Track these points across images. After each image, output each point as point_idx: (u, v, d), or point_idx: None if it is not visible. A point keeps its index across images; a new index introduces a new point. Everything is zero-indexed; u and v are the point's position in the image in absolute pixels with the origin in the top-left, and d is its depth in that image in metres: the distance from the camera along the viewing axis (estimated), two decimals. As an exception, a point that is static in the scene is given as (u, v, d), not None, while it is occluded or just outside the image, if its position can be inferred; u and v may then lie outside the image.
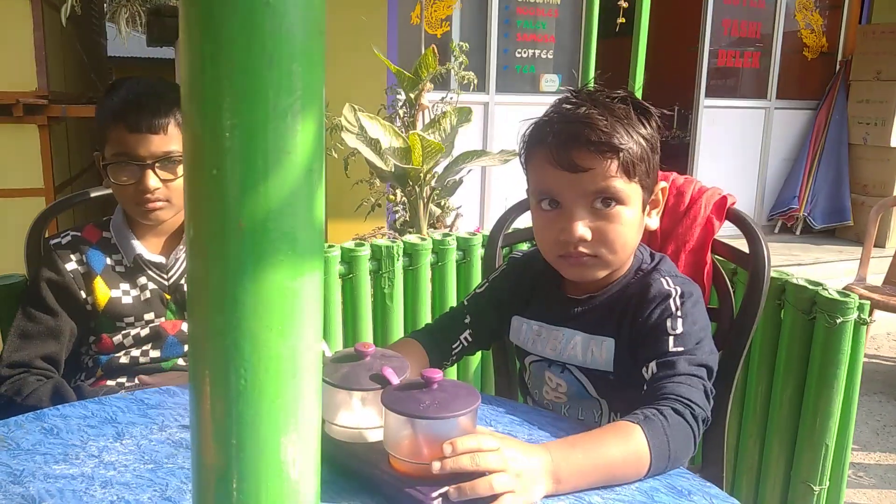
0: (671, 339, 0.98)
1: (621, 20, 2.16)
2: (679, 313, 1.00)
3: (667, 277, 1.05)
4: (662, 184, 1.08)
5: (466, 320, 1.18)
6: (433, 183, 3.63)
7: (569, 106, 1.02)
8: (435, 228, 3.83)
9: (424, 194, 3.59)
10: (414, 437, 0.80)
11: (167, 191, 1.29)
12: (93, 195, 1.52)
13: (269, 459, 0.50)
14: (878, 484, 2.54)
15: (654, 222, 1.09)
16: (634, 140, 1.00)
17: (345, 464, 0.84)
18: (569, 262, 1.04)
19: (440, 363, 1.15)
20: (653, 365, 0.97)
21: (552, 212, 1.03)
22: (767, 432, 1.61)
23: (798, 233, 5.60)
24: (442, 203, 3.88)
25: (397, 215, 3.75)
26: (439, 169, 3.63)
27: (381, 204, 3.79)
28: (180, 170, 1.30)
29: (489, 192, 4.94)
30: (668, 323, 1.00)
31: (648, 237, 1.35)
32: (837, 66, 5.80)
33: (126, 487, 0.80)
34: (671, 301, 1.02)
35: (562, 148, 0.99)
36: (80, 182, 4.83)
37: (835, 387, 1.46)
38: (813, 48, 5.82)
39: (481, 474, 0.76)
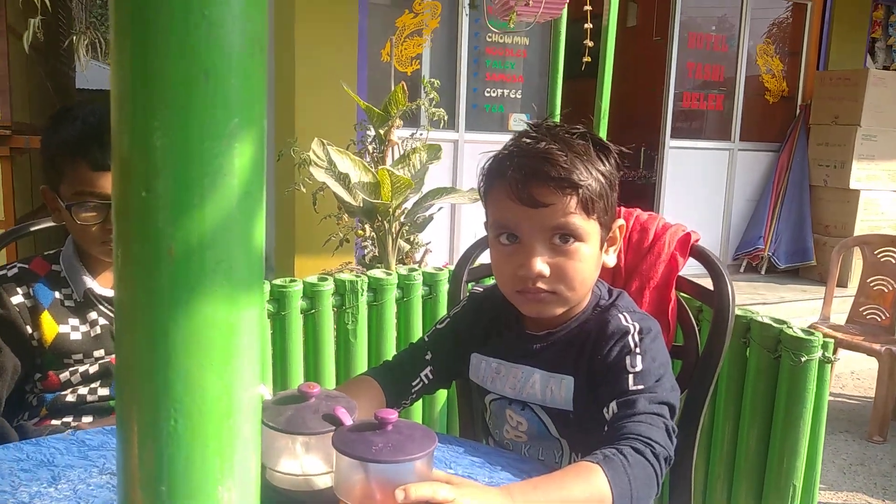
0: (630, 377, 0.96)
1: (587, 59, 2.19)
2: (638, 350, 0.98)
3: (625, 313, 1.03)
4: (620, 221, 1.07)
5: (427, 356, 1.14)
6: (402, 219, 3.61)
7: (529, 140, 1.01)
8: (404, 264, 3.80)
9: (393, 230, 3.56)
10: (367, 482, 0.76)
11: None
12: (34, 229, 1.46)
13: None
14: (845, 525, 2.53)
15: (611, 259, 1.08)
16: (594, 177, 0.99)
17: None
18: (526, 298, 1.02)
19: (398, 402, 1.11)
20: (613, 405, 0.95)
21: (510, 246, 1.02)
22: (735, 473, 1.59)
23: (763, 272, 5.67)
24: (411, 239, 3.86)
25: (366, 251, 3.72)
26: (408, 205, 3.62)
27: (350, 239, 3.76)
28: None
29: (458, 229, 4.93)
30: (627, 360, 0.98)
31: (612, 274, 1.33)
32: (798, 110, 5.95)
33: (57, 537, 0.75)
34: (630, 337, 1.00)
35: (522, 182, 0.98)
36: (43, 214, 4.72)
37: (801, 426, 1.44)
38: (774, 92, 5.97)
39: None
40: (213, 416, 0.47)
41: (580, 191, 0.97)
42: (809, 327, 3.43)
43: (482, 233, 1.44)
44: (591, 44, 2.07)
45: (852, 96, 5.45)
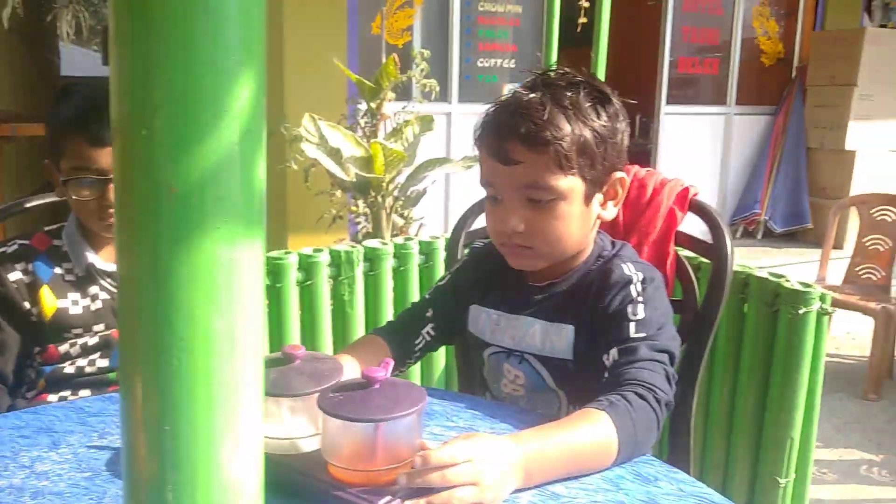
0: (632, 324, 0.96)
1: (583, 20, 2.15)
2: (640, 298, 0.99)
3: (628, 263, 1.03)
4: (619, 174, 1.04)
5: (428, 314, 1.15)
6: (396, 193, 3.60)
7: (523, 91, 1.00)
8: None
9: (387, 204, 3.55)
10: (355, 442, 0.75)
11: None
12: (29, 205, 1.47)
13: (206, 447, 0.46)
14: (840, 479, 2.56)
15: (609, 213, 1.06)
16: (576, 131, 0.97)
17: (277, 478, 0.78)
18: (507, 251, 1.04)
19: (403, 361, 1.12)
20: (614, 351, 0.95)
21: (494, 201, 1.02)
22: (734, 427, 1.60)
23: (759, 237, 5.69)
24: (405, 213, 3.85)
25: (360, 227, 3.71)
26: (402, 179, 3.61)
27: (343, 215, 3.75)
28: None
29: (452, 202, 4.92)
30: (630, 308, 0.98)
31: (611, 229, 1.34)
32: (794, 72, 5.92)
33: (59, 497, 0.76)
34: (632, 286, 1.00)
35: (497, 139, 0.98)
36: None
37: (798, 378, 1.46)
38: (770, 55, 5.93)
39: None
40: (216, 355, 0.47)
41: (551, 148, 0.95)
42: (806, 288, 3.44)
43: (477, 199, 1.44)
44: (586, 4, 2.04)
45: (849, 56, 5.41)
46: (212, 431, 0.47)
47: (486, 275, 1.14)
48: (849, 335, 4.02)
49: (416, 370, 1.91)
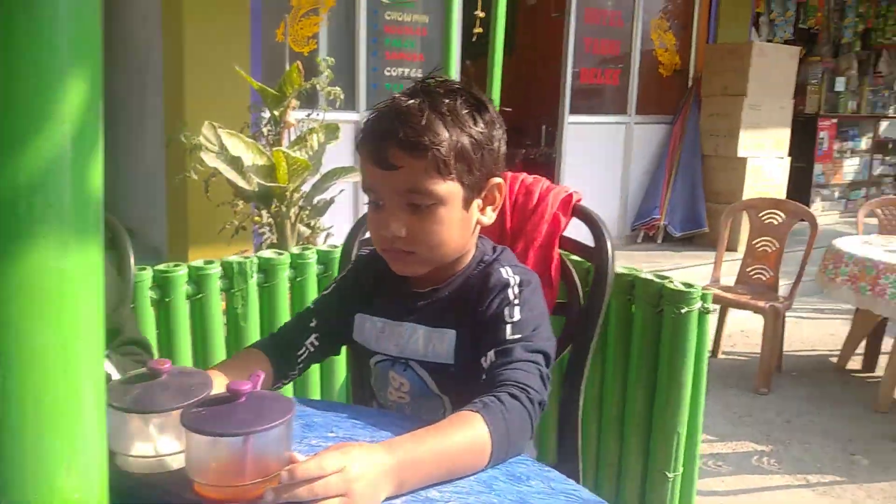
0: (509, 326, 0.99)
1: (478, 30, 2.18)
2: (517, 301, 1.01)
3: (506, 267, 1.06)
4: (496, 180, 1.06)
5: (312, 324, 1.13)
6: (301, 203, 3.54)
7: (402, 98, 1.01)
8: (306, 249, 3.73)
9: (292, 214, 3.50)
10: (219, 458, 0.73)
11: None
12: None
13: (38, 469, 0.44)
14: (735, 471, 2.68)
15: (488, 219, 1.08)
16: (454, 137, 0.98)
17: (142, 498, 0.75)
18: (390, 257, 1.05)
19: (286, 374, 1.10)
20: (491, 353, 0.97)
21: (376, 207, 1.03)
22: (625, 425, 1.65)
23: (659, 241, 5.90)
24: (312, 224, 3.79)
25: (264, 237, 3.63)
26: (307, 187, 3.56)
27: (247, 226, 3.66)
28: None
29: (362, 211, 4.89)
30: (507, 311, 1.00)
31: (499, 234, 1.36)
32: (690, 83, 6.20)
33: None
34: (510, 290, 1.02)
35: (376, 145, 0.99)
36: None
37: (683, 375, 1.52)
38: (667, 66, 6.18)
39: None
40: (48, 371, 0.45)
41: (430, 153, 0.96)
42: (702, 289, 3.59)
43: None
44: (482, 14, 2.06)
45: (739, 68, 5.72)
46: (45, 452, 0.44)
47: (371, 282, 1.14)
48: (742, 333, 4.22)
49: (315, 383, 1.89)
